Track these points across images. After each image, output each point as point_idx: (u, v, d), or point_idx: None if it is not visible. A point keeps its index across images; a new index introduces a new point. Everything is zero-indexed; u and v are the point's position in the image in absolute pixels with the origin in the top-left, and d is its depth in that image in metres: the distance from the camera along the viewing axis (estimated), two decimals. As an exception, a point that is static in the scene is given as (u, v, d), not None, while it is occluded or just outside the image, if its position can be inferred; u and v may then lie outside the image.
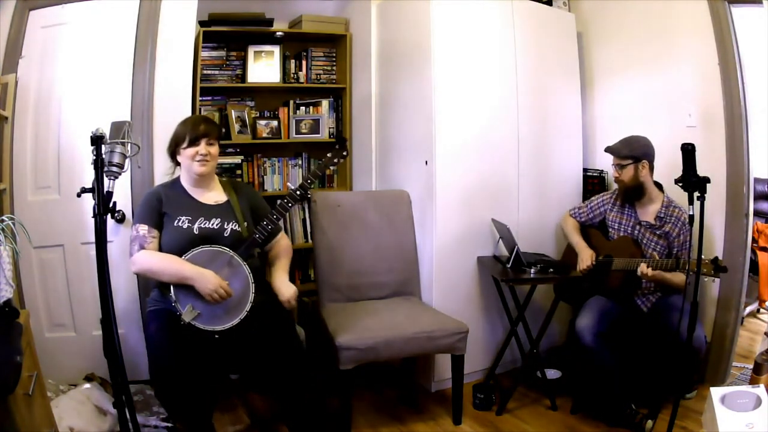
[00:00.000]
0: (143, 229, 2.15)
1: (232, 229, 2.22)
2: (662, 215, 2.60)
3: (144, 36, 2.62)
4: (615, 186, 2.75)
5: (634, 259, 2.51)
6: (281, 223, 2.26)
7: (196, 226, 2.17)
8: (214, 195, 2.30)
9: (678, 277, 2.51)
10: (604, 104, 3.37)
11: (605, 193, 2.86)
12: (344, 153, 2.39)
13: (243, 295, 2.10)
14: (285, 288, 2.22)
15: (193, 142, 2.19)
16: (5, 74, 2.52)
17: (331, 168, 3.46)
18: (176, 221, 2.17)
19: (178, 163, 2.28)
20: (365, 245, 2.91)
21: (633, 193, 2.62)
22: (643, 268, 2.43)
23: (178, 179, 2.31)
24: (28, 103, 2.58)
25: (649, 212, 2.64)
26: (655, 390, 2.48)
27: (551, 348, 3.19)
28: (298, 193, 2.25)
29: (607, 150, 2.67)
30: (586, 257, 2.68)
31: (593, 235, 2.83)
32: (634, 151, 2.56)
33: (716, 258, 2.19)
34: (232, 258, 2.12)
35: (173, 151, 2.26)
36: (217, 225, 2.20)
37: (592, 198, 2.90)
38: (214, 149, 2.25)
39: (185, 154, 2.20)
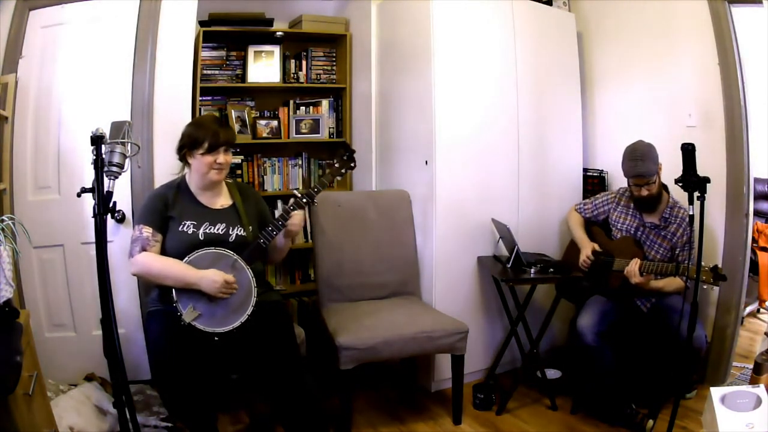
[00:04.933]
0: (147, 231, 2.12)
1: (237, 234, 2.20)
2: (667, 215, 2.59)
3: (144, 36, 2.62)
4: (616, 186, 2.74)
5: (634, 259, 2.50)
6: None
7: (201, 231, 2.15)
8: (221, 199, 2.27)
9: (673, 285, 2.51)
10: (604, 104, 3.37)
11: (609, 192, 2.86)
12: (352, 164, 2.35)
13: (245, 299, 2.08)
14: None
15: (212, 150, 2.13)
16: (5, 74, 2.52)
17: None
18: (181, 225, 2.15)
19: (187, 164, 2.21)
20: (365, 245, 2.91)
21: (658, 198, 2.57)
22: (630, 266, 2.42)
23: (183, 179, 2.27)
24: (28, 103, 2.57)
25: (654, 213, 2.63)
26: (655, 390, 2.48)
27: (551, 348, 3.19)
28: (304, 200, 2.21)
29: (639, 176, 2.48)
30: (587, 249, 2.68)
31: (596, 234, 2.83)
32: (655, 160, 2.48)
33: (716, 266, 2.18)
34: (235, 261, 2.10)
35: (184, 152, 2.18)
36: (222, 230, 2.18)
37: (597, 195, 2.90)
38: (230, 157, 2.21)
39: (202, 160, 2.14)
